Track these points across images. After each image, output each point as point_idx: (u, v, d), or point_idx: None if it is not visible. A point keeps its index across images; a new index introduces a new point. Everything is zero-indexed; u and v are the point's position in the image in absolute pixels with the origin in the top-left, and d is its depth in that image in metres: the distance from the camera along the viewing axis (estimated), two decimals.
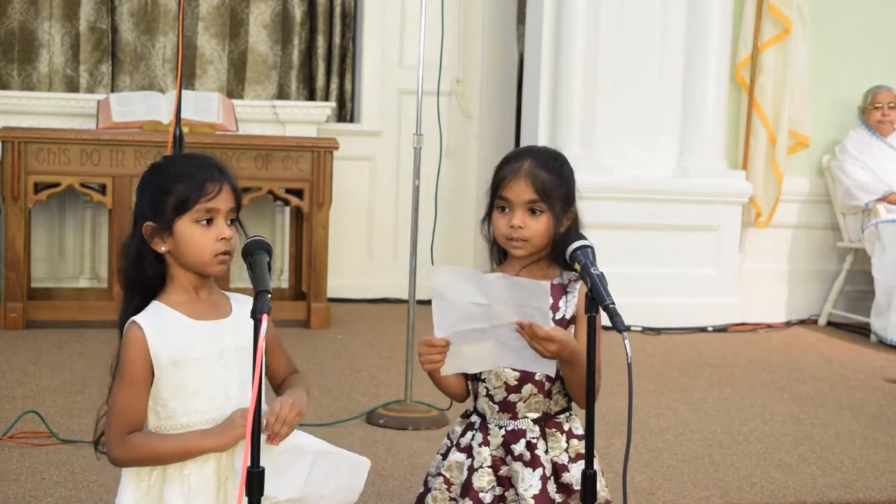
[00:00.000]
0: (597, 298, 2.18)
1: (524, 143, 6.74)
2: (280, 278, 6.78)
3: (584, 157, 6.40)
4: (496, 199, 2.43)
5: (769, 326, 6.86)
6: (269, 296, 2.01)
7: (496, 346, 2.28)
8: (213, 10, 6.99)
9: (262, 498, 1.98)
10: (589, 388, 2.18)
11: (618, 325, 2.12)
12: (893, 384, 5.39)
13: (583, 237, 2.32)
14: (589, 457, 2.21)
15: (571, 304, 2.40)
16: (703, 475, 3.79)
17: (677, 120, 6.68)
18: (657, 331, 6.46)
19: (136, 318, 2.15)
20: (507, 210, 2.41)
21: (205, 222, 2.15)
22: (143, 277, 2.19)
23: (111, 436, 2.14)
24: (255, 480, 1.96)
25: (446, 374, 2.36)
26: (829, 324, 7.00)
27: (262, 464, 1.97)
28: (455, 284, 2.26)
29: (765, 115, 6.79)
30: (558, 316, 2.39)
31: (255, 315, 1.97)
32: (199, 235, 2.15)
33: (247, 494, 1.96)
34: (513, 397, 2.40)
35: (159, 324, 2.14)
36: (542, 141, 6.51)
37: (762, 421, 4.57)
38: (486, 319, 2.25)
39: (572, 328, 2.40)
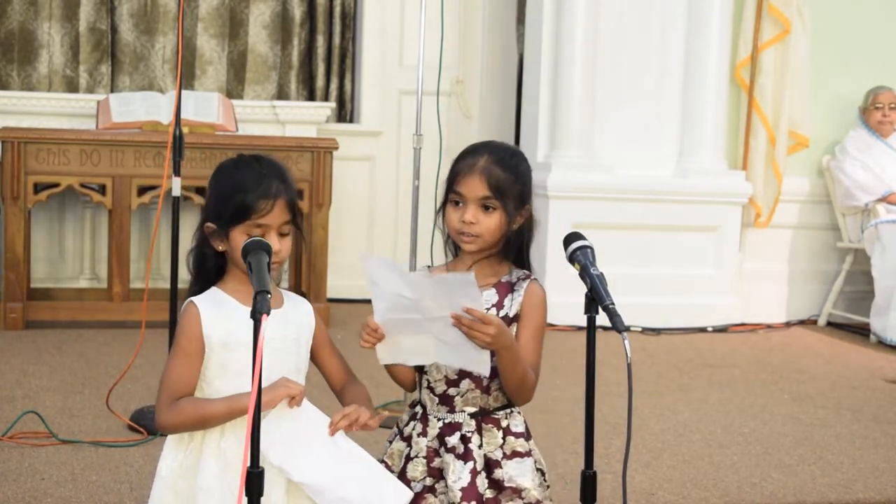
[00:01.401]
0: (596, 299, 2.17)
1: (524, 142, 6.74)
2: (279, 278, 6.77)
3: (583, 157, 6.41)
4: (450, 193, 2.43)
5: (769, 327, 6.86)
6: (269, 296, 2.03)
7: (434, 341, 2.29)
8: (212, 11, 6.99)
9: (276, 467, 2.10)
10: (589, 386, 2.18)
11: (617, 326, 2.11)
12: (893, 384, 5.40)
13: (581, 237, 2.31)
14: (589, 456, 2.21)
15: (517, 302, 2.41)
16: (703, 475, 3.79)
17: (677, 120, 6.68)
18: (657, 331, 6.46)
19: (194, 298, 2.28)
20: (460, 205, 2.42)
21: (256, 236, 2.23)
22: (204, 267, 2.32)
23: (161, 403, 2.24)
24: (255, 481, 1.96)
25: (385, 363, 2.40)
26: (829, 324, 7.00)
27: (282, 428, 2.10)
28: (383, 274, 2.29)
29: (764, 115, 6.79)
30: (502, 314, 2.40)
31: (255, 315, 1.99)
32: None
33: (246, 494, 1.96)
34: (451, 391, 2.42)
35: (214, 306, 2.26)
36: (542, 141, 6.52)
37: (762, 421, 4.57)
38: (416, 311, 2.26)
39: (514, 327, 2.40)
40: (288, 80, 7.13)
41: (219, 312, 2.25)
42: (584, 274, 2.23)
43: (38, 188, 5.80)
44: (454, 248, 2.50)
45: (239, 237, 2.23)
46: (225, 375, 2.24)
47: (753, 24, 6.79)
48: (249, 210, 2.23)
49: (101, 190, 5.83)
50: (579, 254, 2.27)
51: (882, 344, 6.41)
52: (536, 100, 6.60)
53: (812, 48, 6.89)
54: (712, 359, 5.82)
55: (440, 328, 2.26)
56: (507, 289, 2.42)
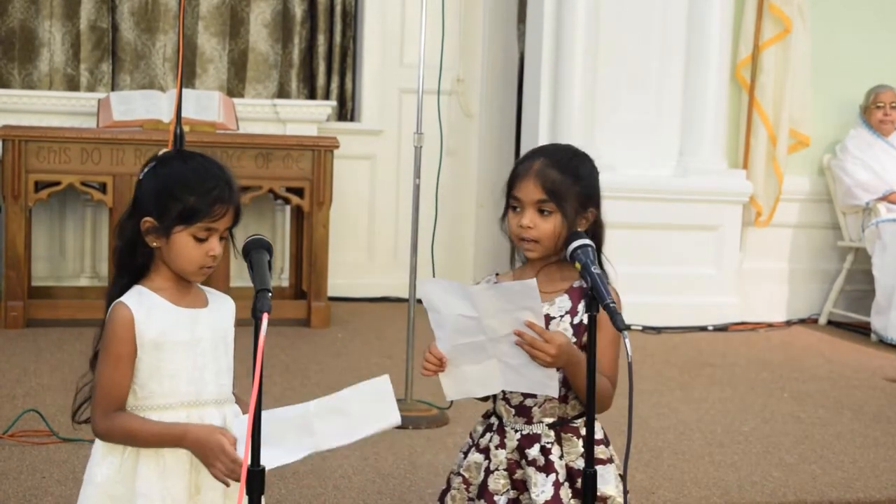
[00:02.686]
0: (597, 297, 2.17)
1: (524, 142, 6.74)
2: (280, 277, 6.78)
3: None
4: (510, 199, 2.41)
5: (769, 326, 6.86)
6: (270, 294, 2.02)
7: (499, 366, 2.27)
8: (213, 9, 6.99)
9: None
10: (590, 386, 2.18)
11: (618, 325, 2.11)
12: (894, 383, 5.39)
13: (582, 236, 2.31)
14: (589, 456, 2.21)
15: None
16: (704, 474, 3.79)
17: (678, 119, 6.68)
18: (657, 330, 6.46)
19: (123, 298, 2.20)
20: (518, 210, 2.39)
21: (200, 239, 2.19)
22: (133, 262, 2.25)
23: (97, 411, 2.19)
24: (255, 480, 1.96)
25: (453, 398, 2.37)
26: (830, 323, 7.00)
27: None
28: (441, 297, 2.26)
29: (765, 114, 6.79)
30: (576, 320, 2.37)
31: (256, 314, 1.98)
32: (191, 249, 2.19)
33: (247, 493, 1.96)
34: (528, 402, 2.39)
35: (145, 306, 2.20)
36: (543, 140, 6.50)
37: (762, 420, 4.57)
38: (479, 333, 2.24)
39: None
40: (289, 79, 7.13)
41: (150, 312, 2.19)
42: (585, 273, 2.22)
43: (38, 186, 5.80)
44: (523, 254, 2.46)
45: (183, 238, 2.17)
46: (158, 377, 2.18)
47: (754, 23, 6.79)
48: (202, 213, 2.17)
49: (102, 188, 5.83)
50: (580, 252, 2.26)
51: (883, 343, 6.41)
52: (537, 99, 6.60)
53: (813, 47, 6.89)
54: (713, 358, 5.82)
55: (504, 350, 2.24)
56: (580, 294, 2.38)
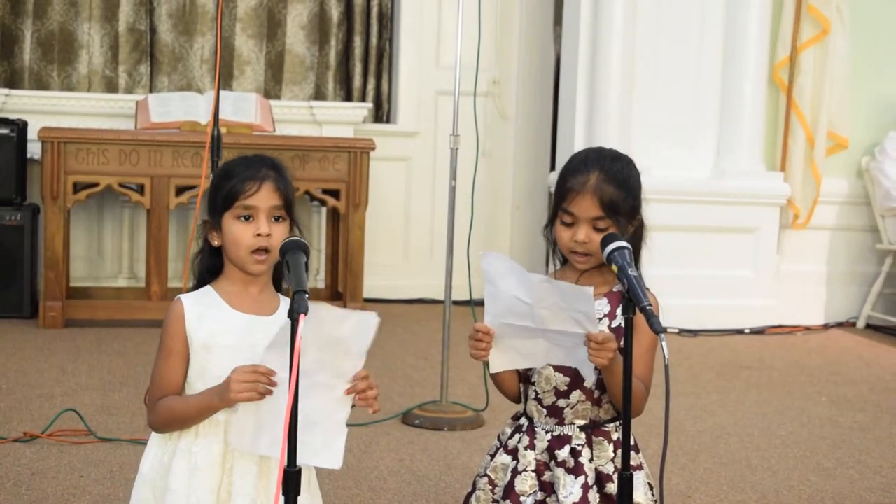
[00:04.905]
0: (634, 300, 2.16)
1: (560, 144, 6.73)
2: (316, 278, 6.80)
3: None
4: (560, 211, 2.37)
5: (807, 329, 6.81)
6: (307, 296, 2.02)
7: (547, 344, 2.26)
8: (250, 11, 7.02)
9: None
10: (626, 388, 2.16)
11: (655, 327, 2.10)
12: None
13: (619, 238, 2.30)
14: (625, 458, 2.19)
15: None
16: (741, 478, 3.77)
17: (715, 121, 6.65)
18: (694, 333, 6.43)
19: (182, 296, 2.25)
20: (571, 224, 2.36)
21: (244, 219, 2.22)
22: (201, 268, 2.31)
23: (148, 403, 2.25)
24: (291, 481, 1.96)
25: (494, 371, 2.34)
26: (868, 326, 6.94)
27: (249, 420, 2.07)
28: (502, 274, 2.25)
29: (803, 116, 6.75)
30: (614, 324, 2.36)
31: (293, 315, 1.97)
32: (237, 231, 2.22)
33: (283, 494, 1.96)
34: (561, 402, 2.38)
35: (201, 306, 2.23)
36: (578, 143, 6.49)
37: (800, 424, 4.54)
38: (530, 320, 2.23)
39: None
40: (325, 81, 7.15)
41: (204, 312, 2.22)
42: (622, 275, 2.21)
43: (77, 188, 5.85)
44: (562, 256, 2.44)
45: (229, 222, 2.22)
46: (203, 378, 2.20)
47: (792, 25, 6.75)
48: (237, 192, 2.22)
49: (140, 189, 5.87)
50: (616, 255, 2.25)
51: None
52: (573, 100, 6.58)
53: (852, 49, 6.84)
54: (749, 361, 5.79)
55: (553, 335, 2.23)
56: (619, 298, 2.37)
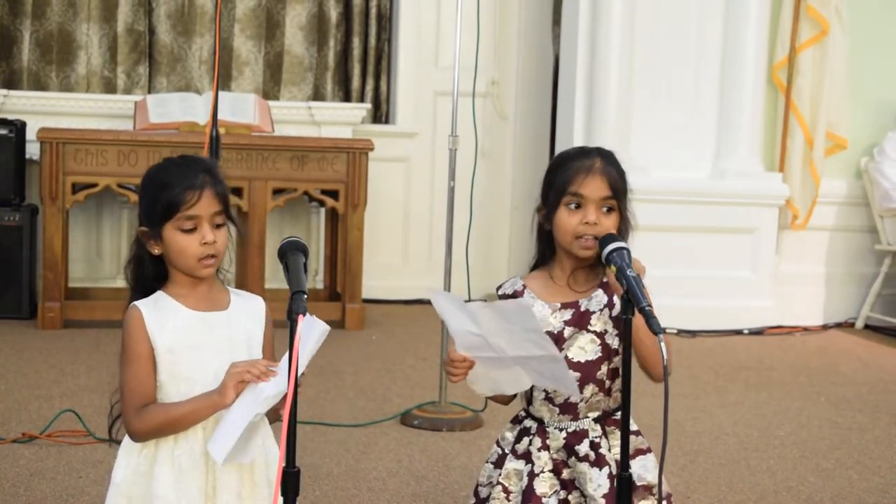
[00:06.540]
0: (633, 301, 2.16)
1: (560, 144, 6.73)
2: (315, 279, 6.80)
3: (619, 158, 6.38)
4: (566, 196, 2.37)
5: (806, 329, 6.81)
6: (305, 296, 2.03)
7: (520, 370, 2.25)
8: (249, 12, 7.02)
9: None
10: (625, 389, 2.16)
11: (654, 328, 2.10)
12: None
13: (617, 239, 2.30)
14: (624, 459, 2.19)
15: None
16: (739, 479, 3.77)
17: (713, 121, 6.65)
18: (693, 333, 6.43)
19: (136, 302, 2.23)
20: (578, 207, 2.37)
21: (188, 229, 2.20)
22: (143, 275, 2.27)
23: (127, 413, 2.21)
24: (290, 481, 1.96)
25: (485, 395, 2.36)
26: (867, 327, 6.94)
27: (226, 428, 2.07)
28: (451, 311, 2.24)
29: (802, 116, 6.75)
30: (614, 313, 2.38)
31: (291, 315, 1.98)
32: (183, 242, 2.20)
33: (282, 494, 1.96)
34: (574, 398, 2.39)
35: (157, 311, 2.22)
36: (577, 143, 6.48)
37: (799, 425, 4.54)
38: (491, 350, 2.22)
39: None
40: (324, 82, 7.15)
41: (163, 317, 2.21)
42: (620, 276, 2.21)
43: (76, 188, 5.84)
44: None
45: (172, 234, 2.20)
46: (173, 380, 2.20)
47: (791, 25, 6.75)
48: (177, 203, 2.18)
49: (138, 190, 5.86)
50: (615, 255, 2.25)
51: None
52: (572, 101, 6.58)
53: (850, 49, 6.84)
54: (748, 361, 5.79)
55: (521, 360, 2.22)
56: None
